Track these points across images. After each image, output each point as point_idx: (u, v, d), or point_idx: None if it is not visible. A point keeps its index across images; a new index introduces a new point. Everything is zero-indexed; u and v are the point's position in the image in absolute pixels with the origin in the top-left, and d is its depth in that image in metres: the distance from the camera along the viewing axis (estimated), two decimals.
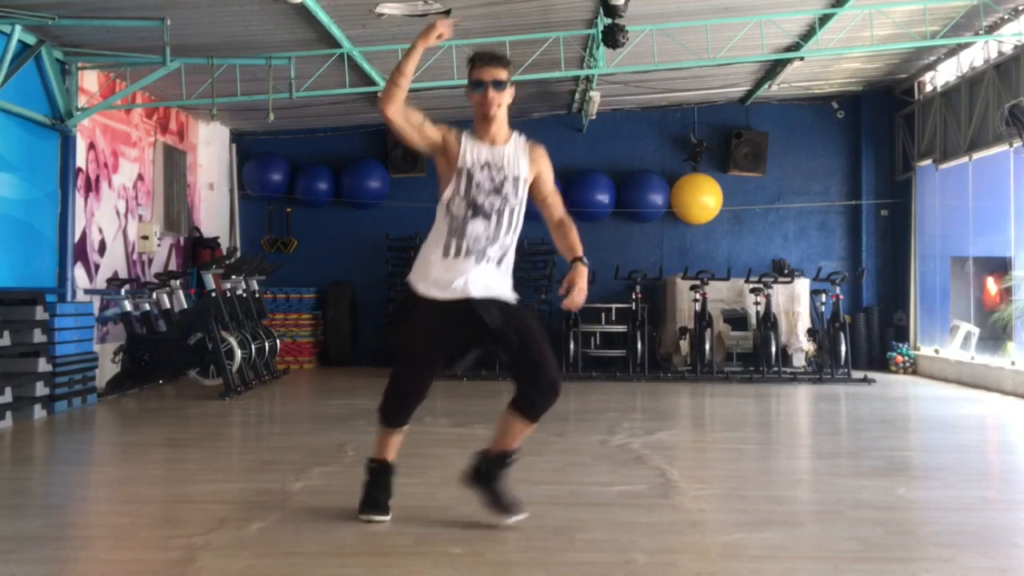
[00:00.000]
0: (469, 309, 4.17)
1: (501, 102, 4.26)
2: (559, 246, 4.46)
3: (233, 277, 10.63)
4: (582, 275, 4.28)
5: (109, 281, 10.61)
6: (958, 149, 12.09)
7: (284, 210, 14.27)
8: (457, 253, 4.23)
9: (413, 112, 4.29)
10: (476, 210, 4.24)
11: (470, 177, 4.25)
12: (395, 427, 4.46)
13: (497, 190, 4.25)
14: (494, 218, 4.25)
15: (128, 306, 10.15)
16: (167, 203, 12.32)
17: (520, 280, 12.78)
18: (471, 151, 4.28)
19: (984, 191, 11.80)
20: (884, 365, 13.33)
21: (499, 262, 4.30)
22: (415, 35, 4.28)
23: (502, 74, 4.24)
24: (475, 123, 4.36)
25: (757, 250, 14.17)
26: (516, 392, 4.26)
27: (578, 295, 4.25)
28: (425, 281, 4.25)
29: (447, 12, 9.23)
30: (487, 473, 4.36)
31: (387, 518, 4.41)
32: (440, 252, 4.26)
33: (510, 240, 4.32)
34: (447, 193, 4.31)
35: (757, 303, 12.22)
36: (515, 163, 4.29)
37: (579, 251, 4.36)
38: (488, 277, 4.24)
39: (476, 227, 4.23)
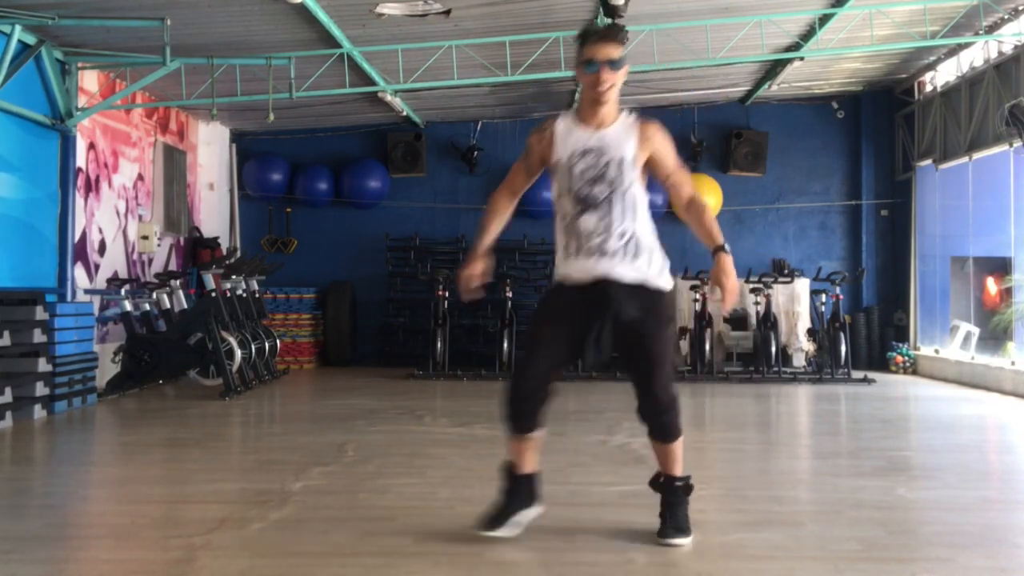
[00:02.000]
0: (601, 293, 3.90)
1: (615, 83, 3.86)
2: (695, 232, 4.07)
3: (233, 277, 10.62)
4: (727, 269, 3.87)
5: (109, 281, 10.61)
6: (958, 149, 12.09)
7: (284, 210, 14.27)
8: (577, 253, 3.95)
9: (520, 176, 4.15)
10: (584, 203, 3.90)
11: (570, 169, 3.92)
12: (513, 432, 4.07)
13: (601, 176, 3.88)
14: (605, 207, 3.89)
15: (128, 306, 10.16)
16: (167, 203, 12.32)
17: (521, 280, 12.94)
18: (569, 141, 3.93)
19: (984, 191, 11.80)
20: (884, 365, 13.32)
21: (627, 254, 3.91)
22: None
23: (617, 51, 3.83)
24: (582, 106, 3.97)
25: (757, 250, 14.16)
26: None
27: (729, 296, 3.87)
28: (563, 274, 4.03)
29: (447, 12, 9.23)
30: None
31: (500, 533, 4.08)
32: (563, 254, 4.03)
33: (631, 227, 3.92)
34: (554, 191, 4.04)
35: (757, 303, 12.22)
36: (620, 144, 3.89)
37: (719, 238, 3.92)
38: (619, 269, 3.92)
39: (587, 222, 3.91)
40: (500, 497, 4.16)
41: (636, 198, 3.95)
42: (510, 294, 12.44)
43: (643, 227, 3.99)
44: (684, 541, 4.06)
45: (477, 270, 4.11)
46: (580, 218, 3.92)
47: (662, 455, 4.17)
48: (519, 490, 4.14)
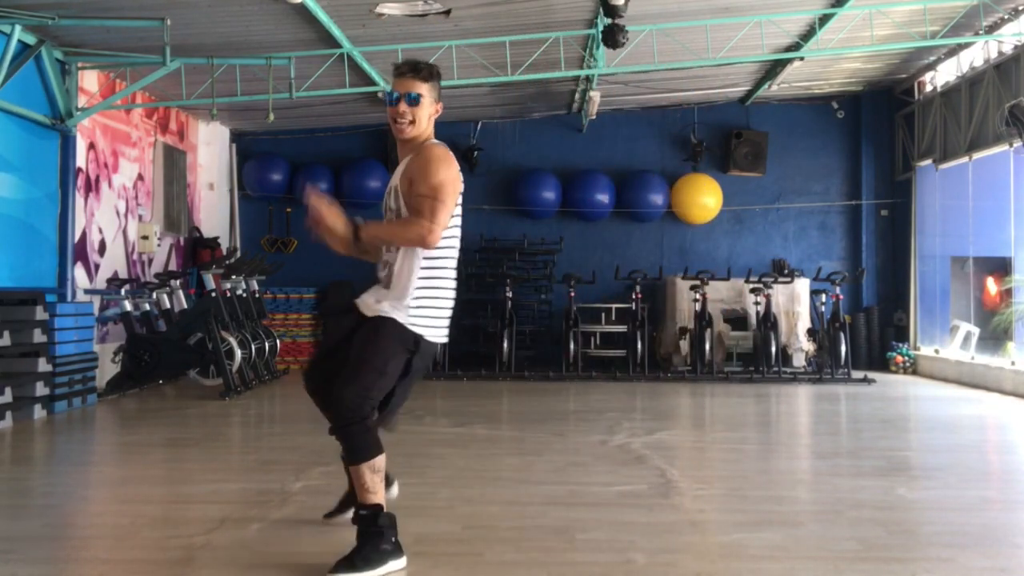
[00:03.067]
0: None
1: (414, 118, 3.87)
2: None
3: (233, 277, 10.63)
4: (325, 211, 3.68)
5: (109, 281, 10.61)
6: (958, 149, 12.09)
7: (284, 210, 14.27)
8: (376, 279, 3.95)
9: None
10: None
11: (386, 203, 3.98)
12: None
13: (387, 208, 3.93)
14: None
15: (128, 306, 10.16)
16: (167, 203, 12.32)
17: (521, 280, 12.92)
18: (392, 175, 3.98)
19: (984, 191, 11.80)
20: (884, 365, 13.33)
21: (388, 285, 3.82)
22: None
23: (419, 87, 3.87)
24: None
25: (757, 250, 14.17)
26: None
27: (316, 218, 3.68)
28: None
29: (447, 12, 9.23)
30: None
31: None
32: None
33: (393, 258, 3.82)
34: None
35: (757, 303, 12.22)
36: (399, 174, 3.89)
37: (361, 225, 3.75)
38: (372, 295, 3.88)
39: (386, 253, 3.89)
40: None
41: None
42: (510, 294, 12.44)
43: (408, 263, 3.79)
44: None
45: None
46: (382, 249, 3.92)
47: (352, 477, 3.87)
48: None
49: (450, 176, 3.79)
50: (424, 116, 3.90)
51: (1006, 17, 10.50)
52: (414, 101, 3.86)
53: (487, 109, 13.57)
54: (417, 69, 3.90)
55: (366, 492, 3.74)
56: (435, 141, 3.96)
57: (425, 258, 3.80)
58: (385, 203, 3.98)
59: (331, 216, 3.70)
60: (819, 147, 14.29)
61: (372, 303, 3.83)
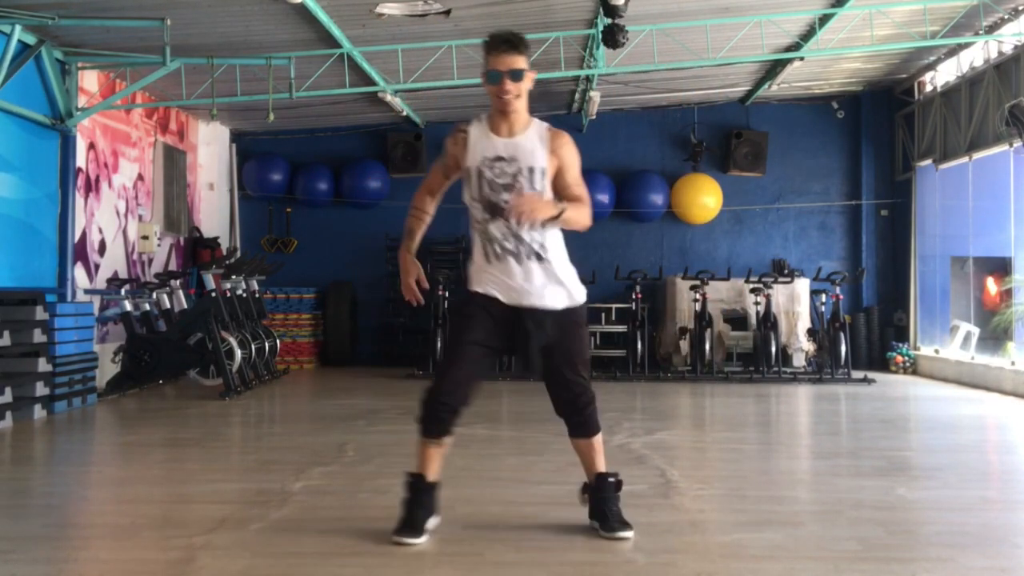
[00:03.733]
0: (518, 316, 4.02)
1: (520, 92, 3.97)
2: None
3: (233, 277, 10.63)
4: (535, 197, 3.92)
5: (109, 281, 10.61)
6: (958, 149, 12.09)
7: (284, 210, 14.27)
8: (496, 258, 4.01)
9: (438, 177, 4.26)
10: (493, 210, 3.97)
11: (480, 175, 3.99)
12: (427, 436, 4.09)
13: (510, 185, 3.95)
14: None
15: (128, 306, 10.15)
16: (167, 203, 12.32)
17: None
18: (480, 147, 4.01)
19: (984, 191, 11.80)
20: (884, 365, 13.33)
21: (540, 258, 3.99)
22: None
23: (520, 62, 3.94)
24: (492, 115, 4.08)
25: (757, 250, 14.17)
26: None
27: (518, 205, 3.84)
28: (480, 283, 4.08)
29: (447, 12, 9.23)
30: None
31: (420, 540, 4.01)
32: (482, 258, 4.07)
33: (541, 236, 3.99)
34: (465, 196, 4.08)
35: (757, 303, 12.22)
36: (532, 153, 3.99)
37: (564, 208, 3.99)
38: (534, 281, 4.01)
39: (497, 228, 3.99)
40: (407, 506, 4.10)
41: None
42: None
43: (552, 236, 4.05)
44: (630, 534, 4.08)
45: (416, 276, 4.18)
46: (490, 224, 4.01)
47: (587, 451, 4.16)
48: (423, 499, 4.09)
49: None
50: (527, 88, 4.02)
51: (1006, 17, 10.50)
52: (518, 76, 3.96)
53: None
54: (514, 43, 3.97)
55: (602, 457, 4.17)
56: (547, 124, 4.14)
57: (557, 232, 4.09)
58: (490, 176, 3.99)
59: (543, 206, 3.90)
60: (819, 147, 14.29)
61: (553, 295, 4.04)
